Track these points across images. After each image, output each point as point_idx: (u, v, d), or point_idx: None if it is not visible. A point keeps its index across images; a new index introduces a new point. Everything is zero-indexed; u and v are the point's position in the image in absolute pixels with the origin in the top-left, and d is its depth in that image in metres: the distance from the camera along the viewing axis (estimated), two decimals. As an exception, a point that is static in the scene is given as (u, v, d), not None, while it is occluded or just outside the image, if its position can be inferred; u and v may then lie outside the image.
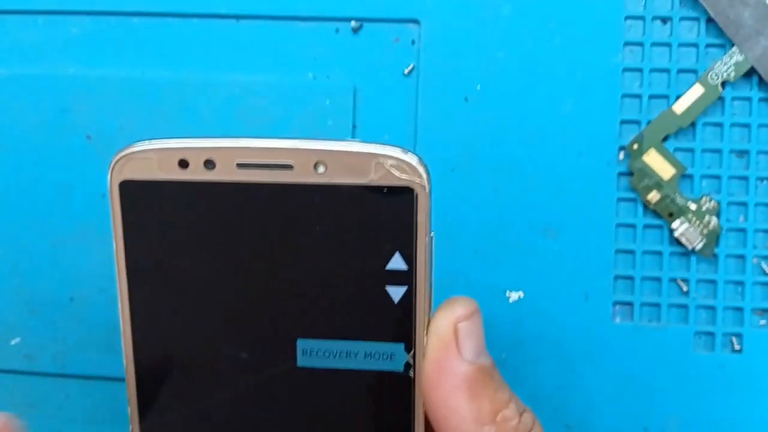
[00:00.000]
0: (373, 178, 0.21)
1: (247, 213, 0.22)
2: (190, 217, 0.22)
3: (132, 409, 0.23)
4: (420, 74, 0.33)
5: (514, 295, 0.33)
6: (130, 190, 0.22)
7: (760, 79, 0.31)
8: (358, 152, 0.21)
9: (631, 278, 0.32)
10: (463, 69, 0.32)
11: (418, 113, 0.33)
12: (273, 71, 0.33)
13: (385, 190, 0.21)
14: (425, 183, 0.21)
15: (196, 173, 0.21)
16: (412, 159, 0.21)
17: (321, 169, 0.21)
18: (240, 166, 0.21)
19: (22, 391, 0.35)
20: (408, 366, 0.22)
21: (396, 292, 0.22)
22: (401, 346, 0.22)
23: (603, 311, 0.32)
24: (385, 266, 0.22)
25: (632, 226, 0.32)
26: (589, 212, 0.32)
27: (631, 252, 0.32)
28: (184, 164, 0.21)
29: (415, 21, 0.33)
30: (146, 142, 0.22)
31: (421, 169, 0.21)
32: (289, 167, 0.21)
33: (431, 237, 0.22)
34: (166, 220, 0.22)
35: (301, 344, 0.22)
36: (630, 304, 0.32)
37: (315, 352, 0.22)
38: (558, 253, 0.32)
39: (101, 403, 0.35)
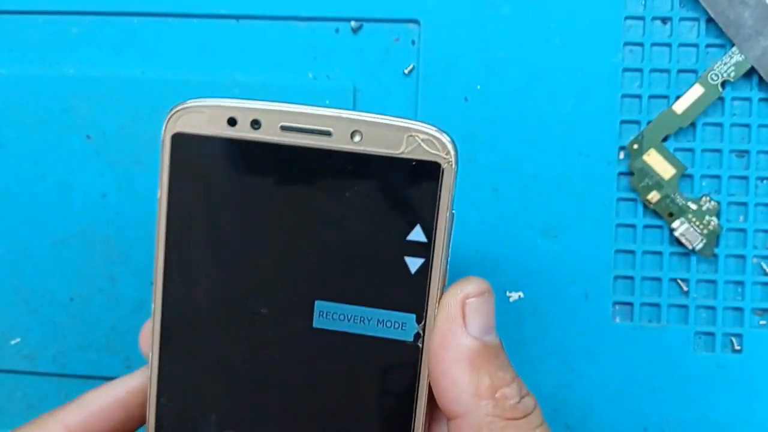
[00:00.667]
0: (404, 151, 0.22)
1: (285, 174, 0.23)
2: (231, 173, 0.23)
3: (154, 352, 0.24)
4: (420, 74, 0.33)
5: (514, 295, 0.33)
6: (181, 143, 0.23)
7: (760, 79, 0.31)
8: (392, 125, 0.22)
9: (631, 278, 0.32)
10: (463, 69, 0.32)
11: (418, 113, 0.33)
12: (273, 71, 0.33)
13: (414, 163, 0.22)
14: (452, 160, 0.22)
15: (243, 131, 0.23)
16: (443, 136, 0.22)
17: (357, 138, 0.22)
18: (283, 128, 0.23)
19: (22, 392, 0.35)
20: (418, 336, 0.23)
21: (413, 264, 0.23)
22: (413, 317, 0.23)
23: (603, 311, 0.32)
24: (405, 237, 0.23)
25: (632, 226, 0.32)
26: (589, 212, 0.32)
27: (631, 252, 0.32)
28: (232, 122, 0.23)
29: (415, 21, 0.33)
30: (200, 99, 0.23)
31: (450, 147, 0.22)
32: (328, 134, 0.23)
33: (452, 214, 0.23)
34: (209, 174, 0.23)
35: (319, 306, 0.23)
36: (630, 304, 0.32)
37: (331, 315, 0.23)
38: (558, 253, 0.32)
39: (101, 403, 0.35)
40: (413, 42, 0.33)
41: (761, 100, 0.32)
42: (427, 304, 0.23)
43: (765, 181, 0.32)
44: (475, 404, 0.22)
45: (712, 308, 0.32)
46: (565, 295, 0.32)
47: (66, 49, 0.34)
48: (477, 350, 0.22)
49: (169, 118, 0.23)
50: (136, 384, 0.25)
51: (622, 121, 0.32)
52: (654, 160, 0.32)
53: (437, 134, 0.22)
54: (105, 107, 0.34)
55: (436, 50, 0.32)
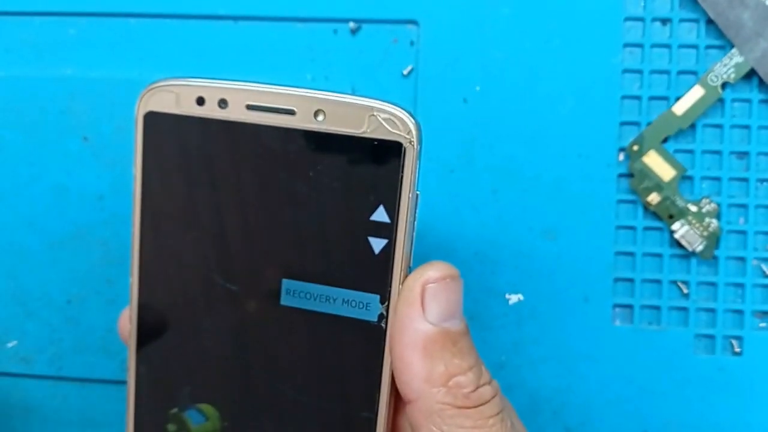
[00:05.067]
0: (365, 130, 0.22)
1: (251, 153, 0.23)
2: (200, 151, 0.24)
3: (132, 327, 0.25)
4: (419, 75, 0.32)
5: (513, 298, 0.32)
6: (153, 122, 0.24)
7: (760, 80, 0.31)
8: (354, 104, 0.22)
9: (631, 280, 0.32)
10: (462, 70, 0.32)
11: (417, 114, 0.32)
12: (271, 72, 0.33)
13: (376, 143, 0.22)
14: (414, 139, 0.22)
15: (210, 110, 0.23)
16: (404, 115, 0.22)
17: (320, 117, 0.23)
18: (249, 107, 0.23)
19: (19, 395, 0.35)
20: (381, 317, 0.23)
21: (377, 244, 0.23)
22: (377, 298, 0.23)
23: (603, 314, 0.32)
24: (369, 217, 0.23)
25: (632, 228, 0.32)
26: (589, 214, 0.32)
27: (631, 254, 0.32)
28: (200, 101, 0.23)
29: (414, 22, 0.33)
30: (172, 78, 0.24)
31: (411, 126, 0.22)
32: (292, 112, 0.23)
33: (416, 195, 0.22)
34: (179, 153, 0.24)
35: (286, 284, 0.23)
36: (630, 306, 0.32)
37: (298, 293, 0.23)
38: (558, 256, 0.32)
39: (98, 406, 0.35)
40: (412, 43, 0.33)
41: (761, 101, 0.32)
42: (391, 285, 0.23)
43: (765, 183, 0.32)
44: (426, 390, 0.22)
45: (713, 310, 0.32)
46: (564, 297, 0.32)
47: (63, 50, 0.34)
48: (433, 337, 0.22)
49: (142, 97, 0.24)
50: None
51: (622, 123, 0.32)
52: (654, 161, 0.32)
53: (399, 113, 0.22)
54: (102, 109, 0.34)
55: (435, 51, 0.32)
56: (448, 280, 0.23)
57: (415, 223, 0.23)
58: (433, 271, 0.22)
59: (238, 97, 0.23)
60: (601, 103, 0.32)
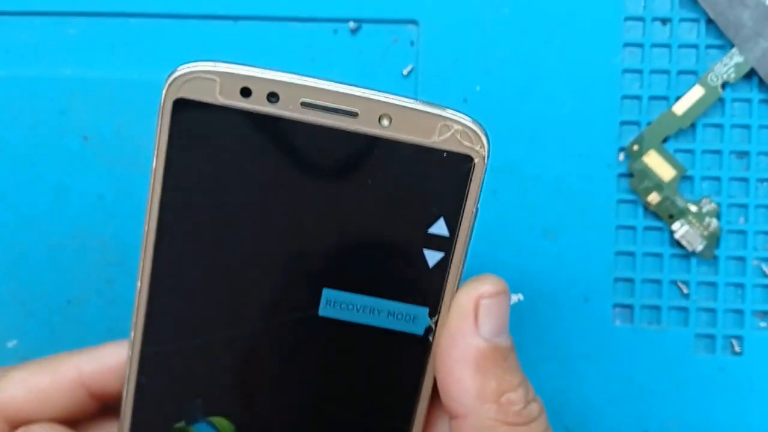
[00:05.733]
0: (436, 140, 0.21)
1: (302, 154, 0.21)
2: (241, 148, 0.21)
3: (136, 333, 0.23)
4: (419, 75, 0.32)
5: (513, 298, 0.32)
6: (184, 110, 0.21)
7: (760, 80, 0.31)
8: (425, 112, 0.21)
9: (631, 280, 0.32)
10: (463, 70, 0.32)
11: (417, 114, 0.32)
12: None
13: (445, 155, 0.21)
14: (485, 154, 0.21)
15: (258, 104, 0.21)
16: (479, 129, 0.21)
17: (385, 122, 0.21)
18: (304, 105, 0.21)
19: (19, 394, 0.35)
20: (428, 331, 0.22)
21: (432, 257, 0.22)
22: (425, 311, 0.22)
23: (603, 314, 0.32)
24: (427, 229, 0.22)
25: (632, 227, 0.32)
26: (589, 214, 0.32)
27: (632, 254, 0.32)
28: (246, 92, 0.21)
29: (414, 22, 0.32)
30: (211, 62, 0.21)
31: (485, 140, 0.21)
32: (354, 115, 0.21)
33: (477, 210, 0.22)
34: (215, 148, 0.21)
35: (327, 294, 0.22)
36: (630, 306, 0.32)
37: (339, 304, 0.22)
38: (558, 255, 0.32)
39: (98, 406, 0.35)
40: (412, 43, 0.33)
41: (761, 101, 0.32)
42: (442, 300, 0.22)
43: (765, 183, 0.32)
44: (478, 406, 0.21)
45: (713, 310, 0.32)
46: (564, 297, 0.32)
47: (63, 50, 0.34)
48: (486, 352, 0.22)
49: (172, 82, 0.21)
50: None
51: (622, 123, 0.32)
52: (654, 161, 0.32)
53: (473, 126, 0.21)
54: (102, 108, 0.34)
55: (435, 51, 0.32)
56: (502, 295, 0.22)
57: (472, 236, 0.22)
58: (488, 286, 0.22)
59: (292, 92, 0.21)
60: (601, 103, 0.32)
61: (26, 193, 0.34)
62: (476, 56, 0.32)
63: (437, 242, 0.22)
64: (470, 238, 0.22)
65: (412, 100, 0.21)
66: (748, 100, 0.32)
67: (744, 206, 0.32)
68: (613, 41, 0.32)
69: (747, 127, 0.32)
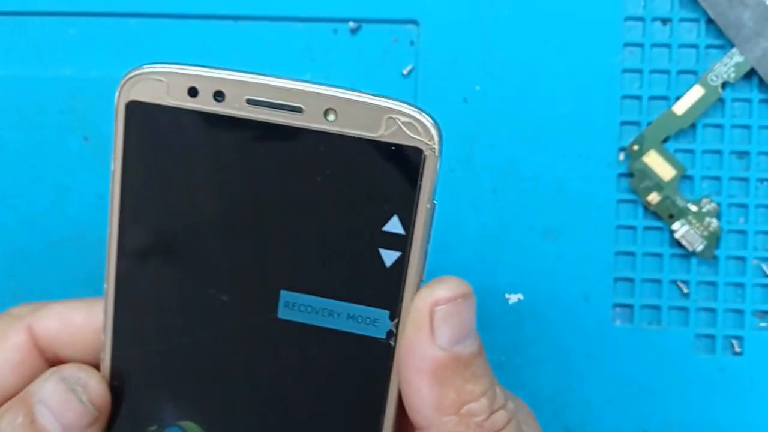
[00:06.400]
0: (382, 134, 0.20)
1: (250, 152, 0.21)
2: (191, 149, 0.21)
3: (106, 337, 0.23)
4: (419, 75, 0.32)
5: (513, 298, 0.32)
6: (136, 112, 0.21)
7: (761, 80, 0.31)
8: (371, 104, 0.21)
9: (631, 280, 0.32)
10: (463, 70, 0.32)
11: (417, 114, 0.32)
12: (271, 72, 0.33)
13: (393, 148, 0.20)
14: (436, 146, 0.20)
15: (205, 103, 0.21)
16: (426, 119, 0.20)
17: (331, 116, 0.21)
18: (250, 102, 0.21)
19: (19, 394, 0.35)
20: (390, 334, 0.21)
21: (389, 257, 0.21)
22: (386, 313, 0.21)
23: (603, 313, 0.32)
24: (381, 227, 0.21)
25: (632, 227, 0.32)
26: (589, 214, 0.32)
27: (632, 254, 0.32)
28: (193, 92, 0.21)
29: (414, 22, 0.32)
30: (159, 65, 0.21)
31: (433, 131, 0.20)
32: (299, 110, 0.21)
33: (434, 205, 0.21)
34: (167, 148, 0.21)
35: (285, 296, 0.22)
36: (630, 306, 0.32)
37: (298, 306, 0.22)
38: (558, 255, 0.32)
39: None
40: (412, 43, 0.33)
41: (761, 101, 0.32)
42: (402, 301, 0.21)
43: (765, 183, 0.32)
44: (437, 419, 0.20)
45: (713, 310, 0.32)
46: (565, 297, 0.32)
47: (63, 50, 0.34)
48: (444, 362, 0.20)
49: (123, 84, 0.21)
50: None
51: (622, 122, 0.32)
52: (654, 161, 0.32)
53: (420, 117, 0.20)
54: (102, 108, 0.34)
55: (435, 51, 0.32)
56: (459, 300, 0.21)
57: (431, 234, 0.21)
58: (443, 290, 0.21)
59: (238, 90, 0.21)
60: (601, 103, 0.32)
61: (26, 193, 0.34)
62: (476, 56, 0.32)
63: (393, 241, 0.21)
64: (429, 236, 0.21)
65: (357, 93, 0.21)
66: (748, 100, 0.32)
67: (744, 206, 0.32)
68: (613, 41, 0.32)
69: (747, 127, 0.32)
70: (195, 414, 0.23)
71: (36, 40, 0.34)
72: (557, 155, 0.32)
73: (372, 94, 0.21)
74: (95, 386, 0.22)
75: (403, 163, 0.20)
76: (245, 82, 0.21)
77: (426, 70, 0.32)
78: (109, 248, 0.22)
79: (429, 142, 0.20)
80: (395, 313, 0.21)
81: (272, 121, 0.21)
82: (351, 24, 0.33)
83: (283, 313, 0.22)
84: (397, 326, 0.21)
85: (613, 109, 0.32)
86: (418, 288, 0.21)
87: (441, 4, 0.32)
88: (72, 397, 0.22)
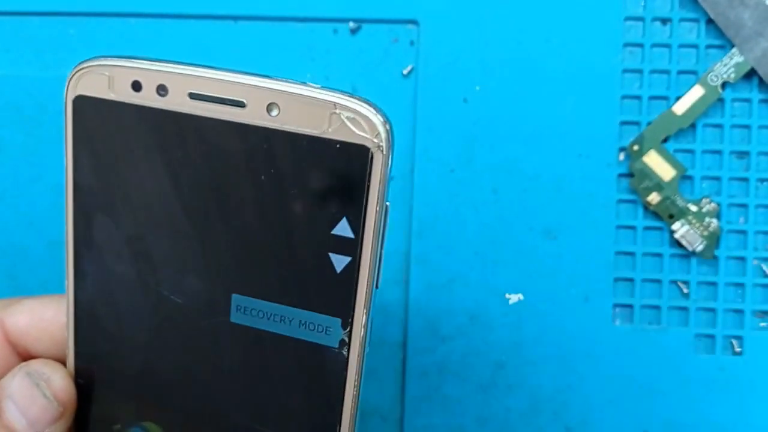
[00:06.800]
0: (326, 130, 0.19)
1: (195, 149, 0.20)
2: (138, 145, 0.21)
3: (69, 335, 0.23)
4: (419, 75, 0.32)
5: (513, 297, 0.32)
6: (83, 107, 0.21)
7: (761, 80, 0.31)
8: (315, 98, 0.19)
9: (631, 280, 0.32)
10: (463, 70, 0.32)
11: (417, 114, 0.32)
12: (271, 72, 0.33)
13: (338, 146, 0.19)
14: (383, 144, 0.19)
15: (148, 98, 0.20)
16: (372, 114, 0.19)
17: (275, 111, 0.19)
18: (192, 96, 0.20)
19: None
20: (343, 343, 0.20)
21: (339, 261, 0.20)
22: (338, 321, 0.20)
23: (603, 313, 0.32)
24: (330, 231, 0.20)
25: (632, 227, 0.32)
26: (589, 214, 0.32)
27: (632, 254, 0.32)
28: (137, 86, 0.20)
29: (414, 22, 0.32)
30: (104, 58, 0.21)
31: (381, 128, 0.19)
32: (241, 105, 0.19)
33: (386, 207, 0.19)
34: (115, 145, 0.21)
35: (236, 300, 0.21)
36: (630, 306, 0.32)
37: (249, 311, 0.21)
38: (558, 255, 0.32)
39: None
40: (412, 43, 0.33)
41: (761, 101, 0.32)
42: (354, 309, 0.20)
43: (765, 183, 0.32)
44: None
45: (713, 310, 0.32)
46: (565, 297, 0.32)
47: (63, 50, 0.34)
48: None
49: (71, 79, 0.21)
50: None
51: (622, 122, 0.32)
52: (654, 161, 0.32)
53: (365, 111, 0.19)
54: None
55: (435, 51, 0.32)
56: None
57: (384, 238, 0.20)
58: None
59: (180, 84, 0.20)
60: (601, 102, 0.32)
61: (26, 193, 0.34)
62: (476, 56, 0.32)
63: (342, 245, 0.19)
64: (382, 240, 0.20)
65: (303, 86, 0.19)
66: (748, 100, 0.32)
67: (744, 206, 0.32)
68: (613, 41, 0.32)
69: (747, 127, 0.32)
70: (155, 414, 0.23)
71: (36, 40, 0.34)
72: (557, 155, 0.32)
73: (320, 88, 0.19)
74: (58, 381, 0.23)
75: (349, 163, 0.19)
76: (187, 75, 0.20)
77: (426, 70, 0.32)
78: (66, 246, 0.22)
79: (375, 140, 0.19)
80: (347, 322, 0.20)
81: (215, 117, 0.20)
82: (351, 24, 0.33)
83: (235, 317, 0.21)
84: (350, 335, 0.20)
85: (613, 109, 0.32)
86: (371, 295, 0.20)
87: (441, 4, 0.32)
88: (36, 392, 0.22)
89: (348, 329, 0.20)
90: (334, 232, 0.20)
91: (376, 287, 0.20)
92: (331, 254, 0.20)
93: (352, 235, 0.19)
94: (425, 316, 0.33)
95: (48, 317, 0.24)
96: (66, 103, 0.21)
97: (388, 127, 0.19)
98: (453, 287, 0.32)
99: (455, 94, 0.32)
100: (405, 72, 0.33)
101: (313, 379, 0.21)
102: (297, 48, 0.33)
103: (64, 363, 0.23)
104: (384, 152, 0.19)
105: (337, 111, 0.19)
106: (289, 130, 0.19)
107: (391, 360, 0.33)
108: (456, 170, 0.32)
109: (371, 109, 0.19)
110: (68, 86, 0.21)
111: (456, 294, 0.32)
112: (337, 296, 0.20)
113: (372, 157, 0.19)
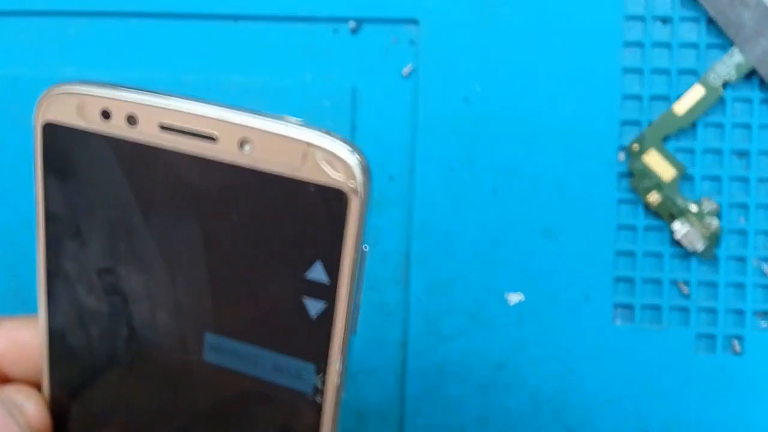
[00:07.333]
0: (300, 170, 0.18)
1: (164, 182, 0.19)
2: (107, 175, 0.20)
3: (43, 362, 0.22)
4: (419, 75, 0.32)
5: (514, 297, 0.32)
6: (53, 134, 0.20)
7: (761, 79, 0.31)
8: (288, 137, 0.18)
9: (631, 280, 0.32)
10: (463, 70, 0.32)
11: (418, 114, 0.32)
12: (271, 72, 0.33)
13: (312, 189, 0.18)
14: (359, 188, 0.18)
15: (117, 128, 0.19)
16: (348, 156, 0.18)
17: (247, 148, 0.18)
18: (163, 128, 0.19)
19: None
20: (316, 390, 0.19)
21: (313, 306, 0.19)
22: (311, 367, 0.19)
23: (603, 313, 0.32)
24: (304, 274, 0.19)
25: (633, 227, 0.32)
26: (590, 213, 0.32)
27: (632, 254, 0.32)
28: (106, 115, 0.19)
29: (414, 21, 0.32)
30: (75, 84, 0.20)
31: (357, 170, 0.18)
32: (212, 139, 0.19)
33: (364, 251, 0.18)
34: (84, 173, 0.20)
35: (210, 339, 0.20)
36: (631, 306, 0.32)
37: (222, 350, 0.20)
38: (558, 255, 0.32)
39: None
40: (412, 43, 0.33)
41: (762, 100, 0.32)
42: (329, 355, 0.19)
43: (766, 182, 0.32)
44: None
45: (713, 310, 0.32)
46: (565, 296, 0.32)
47: (63, 50, 0.34)
48: None
49: (40, 104, 0.20)
50: None
51: (623, 122, 0.32)
52: (654, 161, 0.32)
53: (340, 152, 0.18)
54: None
55: (436, 51, 0.32)
56: None
57: (362, 283, 0.19)
58: None
59: (150, 114, 0.19)
60: (601, 102, 0.32)
61: (26, 193, 0.34)
62: (476, 56, 0.32)
63: (317, 290, 0.19)
64: (359, 285, 0.19)
65: (277, 121, 0.18)
66: (749, 100, 0.32)
67: (744, 206, 0.32)
68: (613, 41, 0.32)
69: (747, 126, 0.32)
70: None
71: (36, 40, 0.34)
72: (557, 155, 0.32)
73: (298, 123, 0.18)
74: (32, 409, 0.22)
75: (324, 205, 0.18)
76: (157, 107, 0.19)
77: (426, 70, 0.32)
78: (38, 274, 0.21)
79: (351, 183, 0.18)
80: (321, 368, 0.19)
81: (185, 151, 0.19)
82: (351, 24, 0.33)
83: (209, 356, 0.20)
84: (323, 382, 0.19)
85: (614, 108, 0.32)
86: (347, 341, 0.19)
87: (441, 4, 0.32)
88: (10, 421, 0.22)
89: (322, 375, 0.19)
90: (308, 276, 0.19)
91: (354, 333, 0.19)
92: (305, 298, 0.19)
93: (327, 280, 0.19)
94: (425, 316, 0.33)
95: (26, 340, 0.23)
96: (35, 128, 0.20)
97: (364, 167, 0.18)
98: (453, 287, 0.32)
99: (455, 93, 0.32)
100: (405, 72, 0.33)
101: (286, 426, 0.20)
102: (297, 48, 0.33)
103: (40, 387, 0.23)
104: (360, 196, 0.18)
105: (312, 151, 0.18)
106: (260, 169, 0.18)
107: (391, 360, 0.33)
108: (456, 170, 0.32)
109: (348, 147, 0.18)
110: (38, 112, 0.20)
111: (456, 294, 0.32)
112: (311, 341, 0.19)
113: (348, 202, 0.18)
